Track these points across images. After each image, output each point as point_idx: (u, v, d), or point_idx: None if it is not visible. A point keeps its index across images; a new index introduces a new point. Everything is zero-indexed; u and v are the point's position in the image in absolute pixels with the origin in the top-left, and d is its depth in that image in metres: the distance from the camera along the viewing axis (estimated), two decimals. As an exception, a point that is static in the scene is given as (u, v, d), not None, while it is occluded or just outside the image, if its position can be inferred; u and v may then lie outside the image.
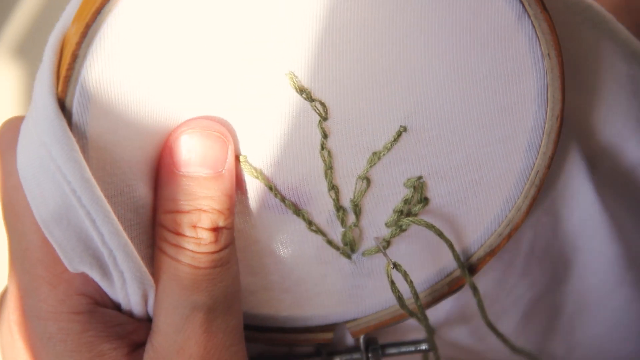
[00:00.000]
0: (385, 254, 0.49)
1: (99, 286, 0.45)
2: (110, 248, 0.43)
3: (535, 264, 0.55)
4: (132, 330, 0.46)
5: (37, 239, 0.44)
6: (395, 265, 0.48)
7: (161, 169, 0.46)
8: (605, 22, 0.52)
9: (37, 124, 0.43)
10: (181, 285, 0.44)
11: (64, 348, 0.44)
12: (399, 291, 0.49)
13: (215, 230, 0.45)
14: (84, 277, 0.45)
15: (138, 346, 0.46)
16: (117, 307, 0.46)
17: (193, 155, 0.45)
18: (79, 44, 0.42)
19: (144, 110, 0.44)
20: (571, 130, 0.52)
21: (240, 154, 0.47)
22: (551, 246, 0.55)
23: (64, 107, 0.42)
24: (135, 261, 0.43)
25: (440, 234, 0.48)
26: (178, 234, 0.45)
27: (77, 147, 0.42)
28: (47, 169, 0.42)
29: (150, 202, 0.46)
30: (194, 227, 0.45)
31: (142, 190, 0.46)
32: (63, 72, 0.42)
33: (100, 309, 0.45)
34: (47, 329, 0.44)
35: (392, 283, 0.48)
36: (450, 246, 0.49)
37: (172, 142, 0.45)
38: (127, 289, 0.45)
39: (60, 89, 0.42)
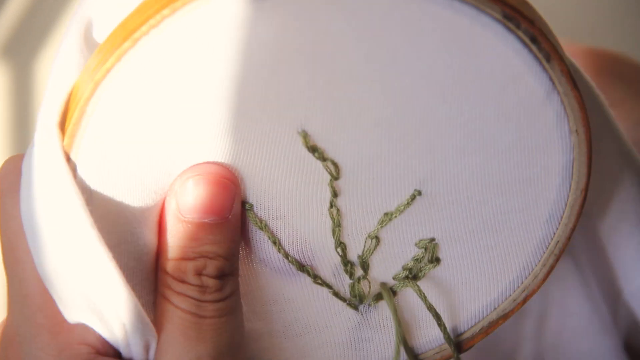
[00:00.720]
0: (389, 297, 0.48)
1: (100, 335, 0.44)
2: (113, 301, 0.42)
3: None
4: None
5: (37, 286, 0.44)
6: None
7: (165, 215, 0.44)
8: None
9: (43, 175, 0.42)
10: (185, 335, 0.43)
11: None
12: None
13: (221, 277, 0.44)
14: (86, 327, 0.44)
15: None
16: (118, 355, 0.45)
17: (199, 201, 0.43)
18: (88, 100, 0.41)
19: (147, 158, 0.43)
20: None
21: (247, 202, 0.46)
22: None
23: (68, 158, 0.42)
24: (138, 312, 0.43)
25: (429, 307, 0.47)
26: (182, 281, 0.43)
27: (83, 201, 0.41)
28: (51, 219, 0.41)
29: (153, 249, 0.45)
30: (199, 274, 0.43)
31: (146, 238, 0.44)
32: (70, 127, 0.41)
33: (102, 358, 0.44)
34: None
35: (437, 316, 0.47)
36: (437, 317, 0.48)
37: (178, 187, 0.44)
38: (129, 339, 0.44)
39: (66, 142, 0.42)
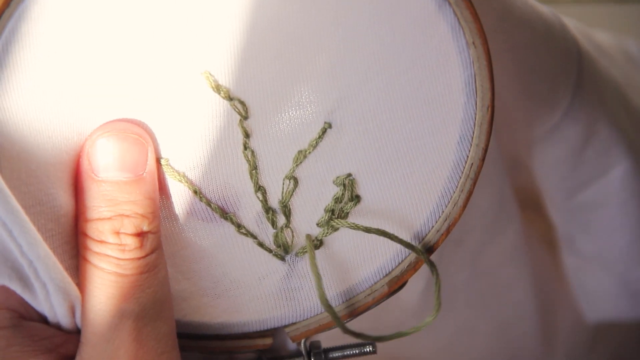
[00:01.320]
0: (311, 250, 0.47)
1: (23, 299, 0.43)
2: (30, 259, 0.41)
3: None
4: (61, 343, 0.45)
5: None
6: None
7: (79, 176, 0.44)
8: None
9: None
10: (107, 294, 0.43)
11: None
12: (323, 290, 0.47)
13: (140, 235, 0.44)
14: (7, 290, 0.43)
15: (68, 359, 0.44)
16: (43, 319, 0.45)
17: (111, 159, 0.43)
18: None
19: (56, 116, 0.43)
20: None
21: (162, 157, 0.45)
22: None
23: None
24: (58, 272, 0.42)
25: (382, 233, 0.47)
26: (101, 241, 0.43)
27: None
28: None
29: (72, 210, 0.44)
30: (117, 233, 0.43)
31: (62, 199, 0.44)
32: None
33: (26, 323, 0.44)
34: None
35: (318, 276, 0.47)
36: (396, 239, 0.47)
37: (89, 147, 0.44)
38: (52, 300, 0.43)
39: None
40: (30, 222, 0.41)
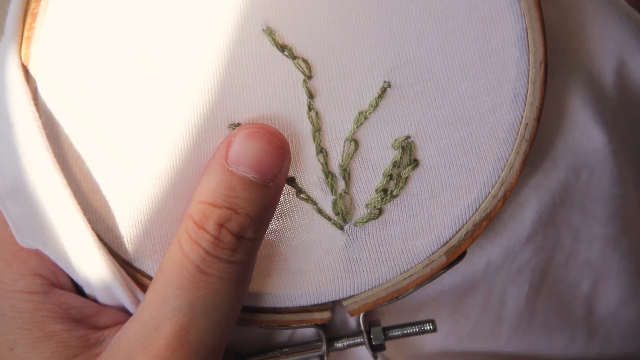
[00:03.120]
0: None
1: (56, 268, 0.44)
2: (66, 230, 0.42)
3: (540, 230, 0.53)
4: (91, 314, 0.44)
5: None
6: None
7: (211, 160, 0.44)
8: None
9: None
10: (179, 284, 0.42)
11: (15, 325, 0.43)
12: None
13: (239, 238, 0.43)
14: (41, 257, 0.44)
15: (97, 329, 0.44)
16: (79, 290, 0.45)
17: (248, 155, 0.43)
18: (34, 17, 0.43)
19: (107, 77, 0.44)
20: (572, 78, 0.51)
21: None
22: (557, 213, 0.53)
23: (28, 79, 0.43)
24: (94, 249, 0.43)
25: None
26: (201, 227, 0.42)
27: (39, 122, 0.42)
28: (8, 142, 0.42)
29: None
30: (220, 225, 0.42)
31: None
32: (25, 33, 0.43)
33: (56, 290, 0.44)
34: None
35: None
36: None
37: (232, 137, 0.44)
38: (85, 271, 0.43)
39: (23, 53, 0.43)
40: (71, 197, 0.42)
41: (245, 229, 0.43)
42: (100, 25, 0.44)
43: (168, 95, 0.45)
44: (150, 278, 0.46)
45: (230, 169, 0.43)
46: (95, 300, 0.45)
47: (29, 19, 0.42)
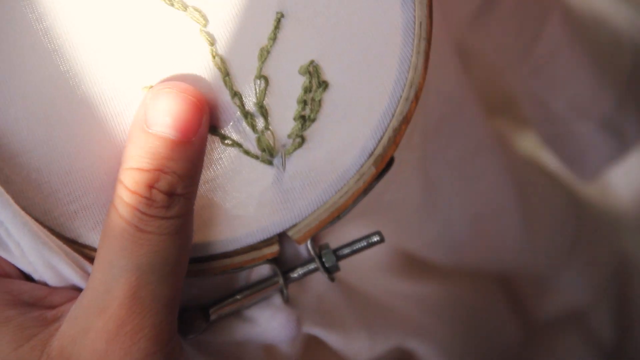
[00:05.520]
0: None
1: (0, 259, 0.45)
2: (0, 220, 0.43)
3: None
4: (44, 295, 0.46)
5: None
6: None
7: (132, 125, 0.45)
8: None
9: None
10: (122, 245, 0.44)
11: None
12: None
13: (171, 195, 0.44)
14: None
15: (56, 307, 0.45)
16: (27, 277, 0.46)
17: (166, 116, 0.44)
18: None
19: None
20: None
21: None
22: None
23: None
24: (30, 230, 0.44)
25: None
26: (133, 191, 0.44)
27: None
28: None
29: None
30: (150, 187, 0.44)
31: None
32: None
33: (2, 279, 0.45)
34: None
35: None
36: None
37: (148, 99, 0.45)
38: (28, 258, 0.44)
39: None
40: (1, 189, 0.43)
41: (174, 186, 0.44)
42: None
43: (77, 74, 0.46)
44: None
45: (150, 131, 0.44)
46: (45, 284, 0.47)
47: None
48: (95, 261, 0.44)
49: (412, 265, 0.63)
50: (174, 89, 0.45)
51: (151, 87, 0.47)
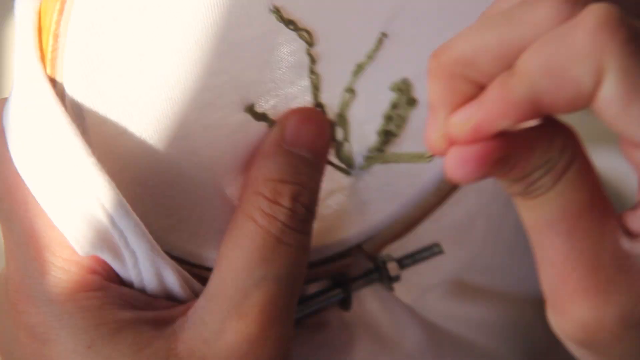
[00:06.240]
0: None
1: (105, 264, 0.45)
2: (121, 229, 0.43)
3: None
4: (150, 300, 0.46)
5: (43, 224, 0.44)
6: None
7: (267, 143, 0.46)
8: None
9: (31, 110, 0.42)
10: (261, 255, 0.44)
11: (86, 324, 0.44)
12: None
13: (310, 210, 0.46)
14: (95, 257, 0.45)
15: (164, 309, 0.46)
16: (127, 285, 0.46)
17: (304, 138, 0.46)
18: (59, 22, 0.42)
19: (136, 76, 0.44)
20: None
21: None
22: None
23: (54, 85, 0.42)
24: (148, 240, 0.44)
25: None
26: (275, 202, 0.45)
27: (77, 130, 0.42)
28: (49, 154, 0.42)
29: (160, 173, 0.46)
30: (294, 199, 0.45)
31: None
32: (48, 55, 0.42)
33: (112, 285, 0.45)
34: (65, 309, 0.44)
35: None
36: None
37: (285, 120, 0.47)
38: (140, 266, 0.45)
39: (48, 71, 0.42)
40: (116, 191, 0.43)
41: (312, 202, 0.46)
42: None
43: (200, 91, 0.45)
44: (206, 269, 0.47)
45: (288, 148, 0.46)
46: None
47: (50, 41, 0.42)
48: (225, 270, 0.45)
49: (463, 288, 0.65)
50: (312, 115, 0.47)
51: (263, 114, 0.47)
